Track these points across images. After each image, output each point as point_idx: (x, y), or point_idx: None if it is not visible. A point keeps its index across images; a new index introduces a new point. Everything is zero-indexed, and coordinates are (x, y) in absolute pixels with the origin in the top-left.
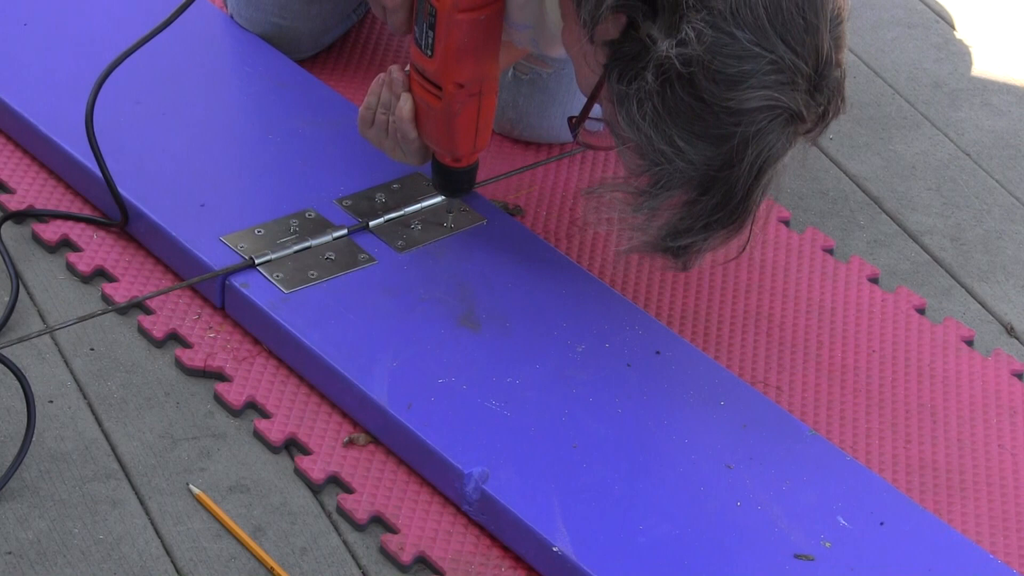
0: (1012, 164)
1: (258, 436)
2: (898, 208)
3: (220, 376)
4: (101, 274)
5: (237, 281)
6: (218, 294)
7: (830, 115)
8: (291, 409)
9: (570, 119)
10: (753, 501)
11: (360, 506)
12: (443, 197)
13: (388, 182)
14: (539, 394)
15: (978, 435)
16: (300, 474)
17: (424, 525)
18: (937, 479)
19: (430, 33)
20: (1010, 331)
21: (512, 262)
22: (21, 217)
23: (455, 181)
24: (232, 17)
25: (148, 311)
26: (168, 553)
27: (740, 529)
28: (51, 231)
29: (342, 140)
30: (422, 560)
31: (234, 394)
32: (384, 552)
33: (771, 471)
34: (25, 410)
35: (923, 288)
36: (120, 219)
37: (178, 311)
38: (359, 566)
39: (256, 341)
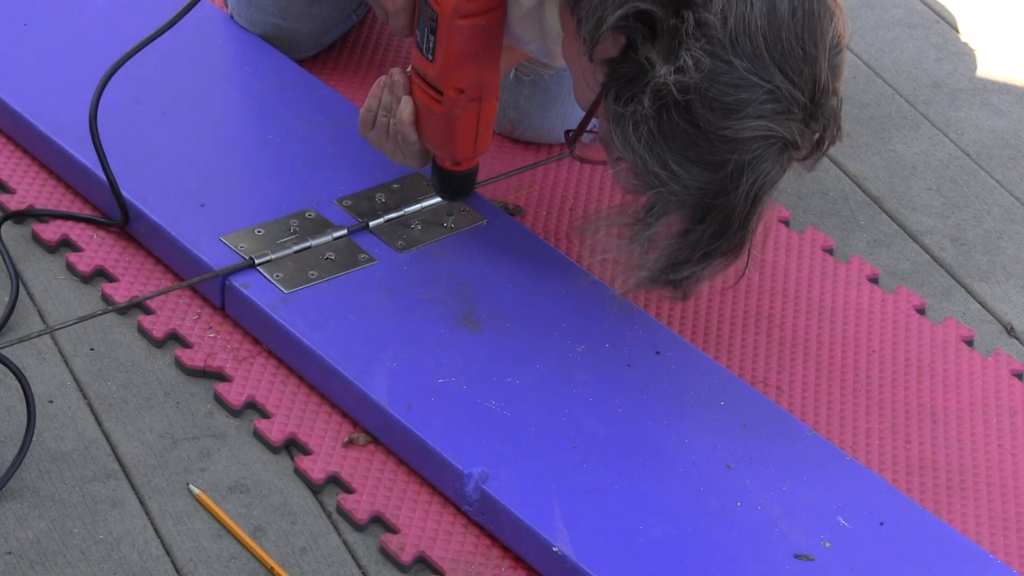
0: (1012, 164)
1: (258, 436)
2: (898, 208)
3: (220, 376)
4: (101, 274)
5: (237, 281)
6: (218, 294)
7: (825, 143)
8: (291, 409)
9: (566, 132)
10: (753, 501)
11: (360, 506)
12: None
13: (388, 182)
14: (539, 394)
15: (978, 435)
16: (300, 474)
17: (424, 525)
18: (937, 479)
19: (431, 38)
20: (1010, 331)
21: (512, 262)
22: (21, 217)
23: (455, 185)
24: (232, 17)
25: (148, 311)
26: (168, 553)
27: (740, 529)
28: (51, 231)
29: (342, 140)
30: (422, 560)
31: (234, 394)
32: (384, 552)
33: (771, 471)
34: (25, 410)
35: (923, 288)
36: (120, 219)
37: (178, 311)
38: (359, 566)
39: (256, 341)
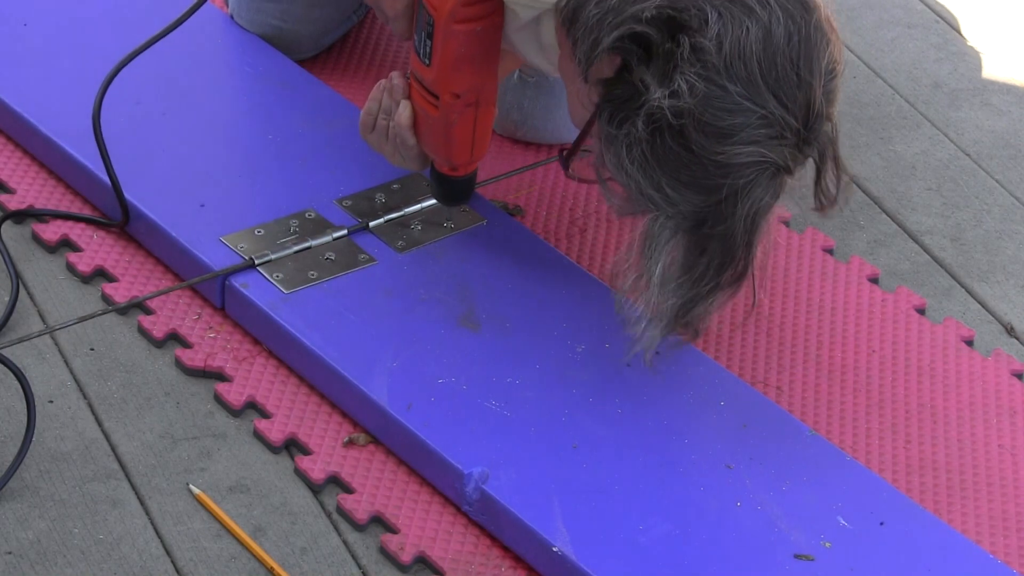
0: (1012, 164)
1: (258, 436)
2: (898, 208)
3: (220, 376)
4: (101, 274)
5: (237, 281)
6: (218, 294)
7: (820, 166)
8: (291, 409)
9: (561, 151)
10: (753, 501)
11: (360, 506)
12: None
13: (388, 182)
14: (539, 394)
15: (978, 435)
16: (300, 474)
17: (424, 525)
18: (937, 479)
19: (428, 42)
20: (1010, 331)
21: (512, 262)
22: (21, 217)
23: (452, 190)
24: (232, 18)
25: (148, 311)
26: (168, 553)
27: (740, 529)
28: (51, 231)
29: (342, 140)
30: (422, 560)
31: (234, 394)
32: (384, 552)
33: (771, 471)
34: (25, 410)
35: (923, 288)
36: (121, 219)
37: (178, 311)
38: (359, 566)
39: (256, 341)
